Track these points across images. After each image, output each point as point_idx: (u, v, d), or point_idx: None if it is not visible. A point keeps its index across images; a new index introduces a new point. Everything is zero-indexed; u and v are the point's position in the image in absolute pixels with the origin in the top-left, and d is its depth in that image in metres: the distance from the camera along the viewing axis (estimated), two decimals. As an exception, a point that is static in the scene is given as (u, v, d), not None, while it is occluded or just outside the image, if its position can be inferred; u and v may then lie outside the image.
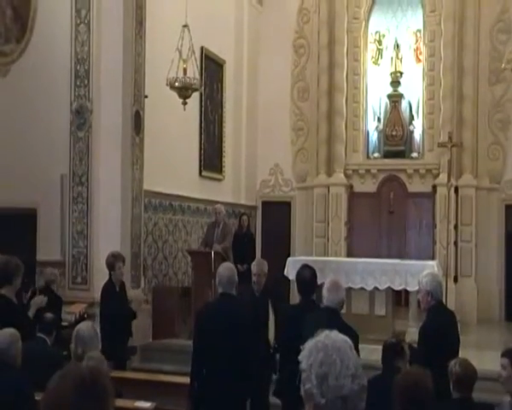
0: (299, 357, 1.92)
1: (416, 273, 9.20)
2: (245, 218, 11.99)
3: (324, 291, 4.94)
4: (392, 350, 4.52)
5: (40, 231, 9.30)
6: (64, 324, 7.42)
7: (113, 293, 7.16)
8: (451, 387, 4.21)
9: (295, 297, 12.12)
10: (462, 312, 11.33)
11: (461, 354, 4.97)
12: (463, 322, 10.86)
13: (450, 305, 10.20)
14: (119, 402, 4.69)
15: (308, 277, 5.50)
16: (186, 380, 5.63)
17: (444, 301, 9.70)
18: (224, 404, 4.80)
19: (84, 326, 4.66)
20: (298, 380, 1.94)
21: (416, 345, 5.13)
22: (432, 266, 9.20)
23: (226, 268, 5.07)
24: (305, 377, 1.87)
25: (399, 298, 10.53)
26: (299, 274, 5.62)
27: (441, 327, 4.97)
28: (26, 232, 9.20)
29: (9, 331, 4.34)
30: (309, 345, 1.92)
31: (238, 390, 4.83)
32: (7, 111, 9.42)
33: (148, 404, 4.86)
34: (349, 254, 12.85)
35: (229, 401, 4.80)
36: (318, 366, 1.84)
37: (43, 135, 9.18)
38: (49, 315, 5.78)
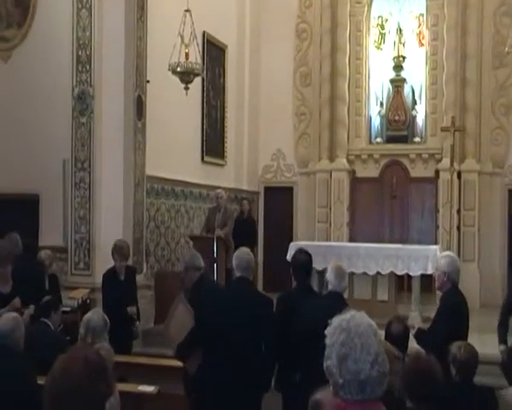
0: (326, 331, 1.94)
1: (418, 258, 9.23)
2: (245, 202, 11.92)
3: (330, 276, 4.91)
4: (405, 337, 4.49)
5: (42, 216, 9.32)
6: (66, 309, 7.43)
7: (112, 281, 7.08)
8: (454, 372, 4.20)
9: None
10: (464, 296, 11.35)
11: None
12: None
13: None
14: (123, 386, 4.72)
15: (304, 261, 5.42)
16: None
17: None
18: (239, 397, 4.66)
19: (95, 316, 4.66)
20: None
21: (424, 328, 5.15)
22: (435, 251, 9.21)
23: (245, 253, 4.98)
24: (327, 353, 1.91)
25: (402, 283, 10.54)
26: (294, 259, 5.54)
27: (455, 312, 4.99)
28: (29, 218, 9.21)
29: (12, 316, 4.36)
30: (335, 322, 1.95)
31: (253, 377, 4.69)
32: (9, 96, 9.42)
33: (151, 388, 4.88)
34: (351, 240, 12.85)
35: (243, 394, 4.67)
36: (339, 347, 1.88)
37: (46, 120, 9.18)
38: (45, 298, 5.79)
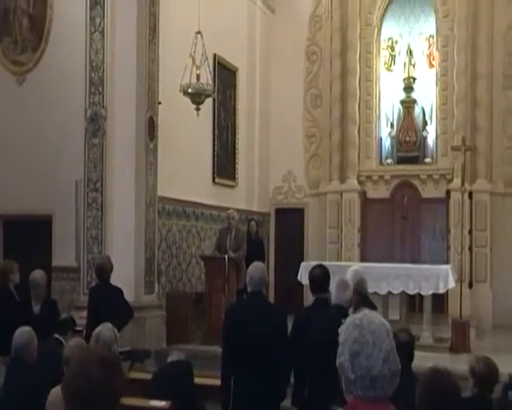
0: (339, 329, 1.99)
1: (429, 277, 9.19)
2: (253, 223, 11.84)
3: (332, 289, 4.94)
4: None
5: (55, 236, 9.39)
6: (78, 328, 7.45)
7: None
8: (472, 385, 4.13)
9: (309, 302, 12.14)
10: (477, 317, 11.26)
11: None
12: (479, 327, 10.81)
13: (466, 310, 10.14)
14: (135, 401, 4.73)
15: (319, 274, 5.41)
16: (200, 381, 5.65)
17: (459, 306, 9.69)
18: (258, 406, 4.78)
19: (104, 329, 4.71)
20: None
21: None
22: (446, 270, 9.18)
23: (257, 268, 5.05)
24: (340, 350, 1.96)
25: (413, 303, 10.48)
26: (310, 273, 5.55)
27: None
28: (42, 238, 9.29)
29: (27, 330, 4.40)
30: (348, 320, 2.00)
31: (271, 391, 4.79)
32: (23, 119, 9.54)
33: (163, 403, 4.88)
34: (362, 260, 12.78)
35: (262, 404, 4.78)
36: (352, 343, 1.93)
37: (59, 142, 9.28)
38: (64, 316, 5.83)
